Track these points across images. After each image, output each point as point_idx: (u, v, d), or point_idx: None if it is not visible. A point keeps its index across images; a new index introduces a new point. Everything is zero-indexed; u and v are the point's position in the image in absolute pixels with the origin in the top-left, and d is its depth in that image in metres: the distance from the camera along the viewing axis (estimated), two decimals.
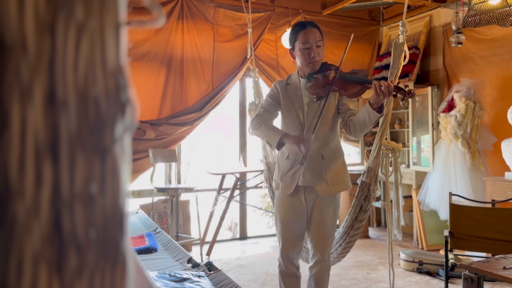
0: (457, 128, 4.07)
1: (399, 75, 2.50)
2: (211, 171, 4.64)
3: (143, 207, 4.16)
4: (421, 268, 3.66)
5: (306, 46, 2.10)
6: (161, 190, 4.00)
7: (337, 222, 4.95)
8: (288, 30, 4.64)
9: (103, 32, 0.33)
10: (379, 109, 1.97)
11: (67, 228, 0.31)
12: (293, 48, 2.18)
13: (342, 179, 2.17)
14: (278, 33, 4.87)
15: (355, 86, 2.07)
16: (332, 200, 2.18)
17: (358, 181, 2.56)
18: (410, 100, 4.72)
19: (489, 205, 3.19)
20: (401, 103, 2.23)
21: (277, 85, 2.25)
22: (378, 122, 2.20)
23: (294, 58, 2.21)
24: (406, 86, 2.00)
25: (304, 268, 2.30)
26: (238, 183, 4.44)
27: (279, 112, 2.25)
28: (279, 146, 2.02)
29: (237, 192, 4.53)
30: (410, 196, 4.77)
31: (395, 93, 1.97)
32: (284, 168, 2.19)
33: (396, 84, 2.01)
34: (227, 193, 4.43)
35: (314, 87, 2.11)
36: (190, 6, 4.47)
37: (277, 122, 2.29)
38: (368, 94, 2.58)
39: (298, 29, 2.14)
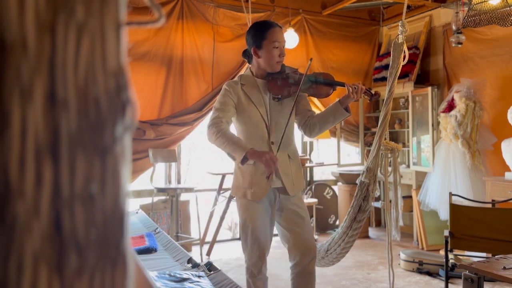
0: (457, 128, 4.07)
1: (398, 75, 2.50)
2: (211, 171, 4.64)
3: (143, 207, 4.16)
4: (421, 268, 3.66)
5: (276, 45, 2.07)
6: (161, 190, 4.00)
7: (337, 222, 4.88)
8: (288, 31, 4.64)
9: (104, 32, 0.33)
10: (348, 109, 2.08)
11: (67, 228, 0.31)
12: (259, 47, 2.08)
13: (301, 178, 2.24)
14: None
15: (326, 88, 2.15)
16: (302, 198, 2.24)
17: (357, 181, 2.56)
18: (410, 100, 4.72)
19: (489, 205, 3.19)
20: (368, 101, 2.40)
21: (231, 87, 2.12)
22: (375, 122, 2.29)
23: (258, 57, 2.10)
24: (373, 90, 2.22)
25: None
26: None
27: (235, 115, 2.14)
28: (244, 161, 1.95)
29: None
30: (410, 196, 4.77)
31: (365, 92, 2.13)
32: (252, 173, 2.09)
33: (365, 86, 2.15)
34: (227, 193, 4.42)
35: (275, 89, 2.10)
36: (190, 6, 4.47)
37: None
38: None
39: (267, 27, 2.08)
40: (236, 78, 2.22)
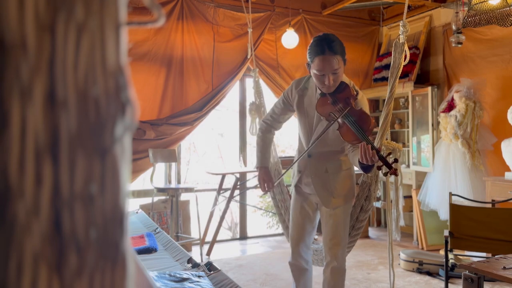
0: (457, 128, 4.07)
1: (399, 75, 2.50)
2: (211, 171, 4.64)
3: (143, 207, 4.16)
4: (421, 268, 3.65)
5: (321, 73, 1.97)
6: (161, 190, 4.00)
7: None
8: (288, 31, 4.64)
9: (103, 32, 0.33)
10: (367, 169, 1.92)
11: (67, 228, 0.31)
12: (309, 66, 2.06)
13: (346, 191, 2.24)
14: (278, 33, 4.87)
15: (352, 135, 1.95)
16: (342, 211, 2.24)
17: (359, 181, 2.56)
18: (410, 100, 4.72)
19: (489, 205, 3.19)
20: (381, 174, 2.06)
21: (294, 89, 2.20)
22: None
23: (310, 72, 2.10)
24: (394, 160, 1.94)
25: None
26: (238, 183, 4.45)
27: (294, 114, 2.31)
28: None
29: (237, 192, 4.53)
30: (410, 196, 4.77)
31: (379, 165, 1.88)
32: (294, 170, 2.35)
33: (384, 155, 1.89)
34: (227, 193, 4.43)
35: (321, 107, 2.04)
36: (190, 6, 4.47)
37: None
38: None
39: (317, 52, 1.96)
40: (305, 77, 2.22)
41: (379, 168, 1.89)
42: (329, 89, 2.01)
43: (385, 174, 1.91)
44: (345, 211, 2.24)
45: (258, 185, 2.28)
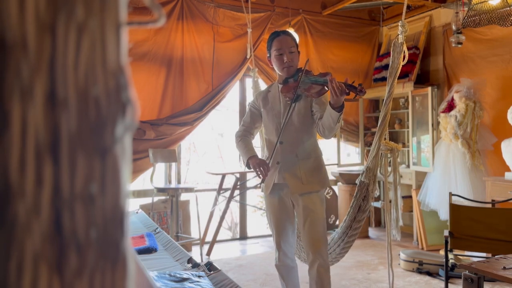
0: (457, 128, 4.07)
1: (398, 75, 2.50)
2: (211, 171, 4.64)
3: (143, 207, 4.16)
4: (421, 268, 3.65)
5: (280, 52, 2.26)
6: (161, 190, 4.00)
7: (337, 222, 4.88)
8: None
9: (104, 32, 0.33)
10: (340, 108, 2.07)
11: (68, 228, 0.31)
12: (270, 56, 2.34)
13: (316, 178, 2.28)
14: None
15: (317, 86, 2.20)
16: (315, 197, 2.27)
17: (357, 181, 2.56)
18: (410, 100, 4.72)
19: (489, 205, 3.19)
20: (358, 98, 2.29)
21: (257, 96, 2.47)
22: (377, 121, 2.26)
23: (272, 65, 2.36)
24: (359, 84, 2.13)
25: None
26: (238, 183, 4.45)
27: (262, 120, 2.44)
28: (248, 166, 2.29)
29: (237, 192, 4.53)
30: (410, 196, 4.77)
31: (348, 91, 2.07)
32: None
33: (350, 83, 2.10)
34: (227, 193, 4.43)
35: (285, 89, 2.27)
36: (190, 6, 4.47)
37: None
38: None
39: (273, 37, 2.31)
40: (266, 87, 2.51)
41: (347, 93, 2.08)
42: (289, 70, 2.27)
43: (355, 96, 2.15)
44: (319, 204, 2.26)
45: (258, 185, 2.27)
